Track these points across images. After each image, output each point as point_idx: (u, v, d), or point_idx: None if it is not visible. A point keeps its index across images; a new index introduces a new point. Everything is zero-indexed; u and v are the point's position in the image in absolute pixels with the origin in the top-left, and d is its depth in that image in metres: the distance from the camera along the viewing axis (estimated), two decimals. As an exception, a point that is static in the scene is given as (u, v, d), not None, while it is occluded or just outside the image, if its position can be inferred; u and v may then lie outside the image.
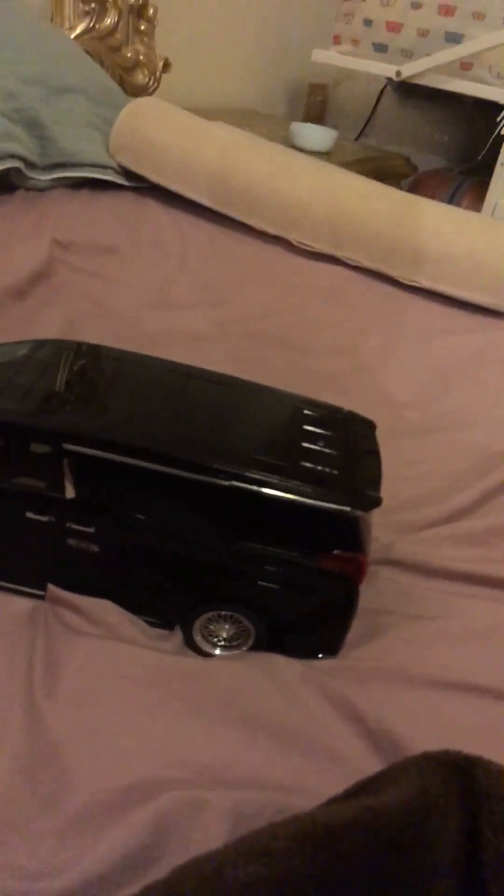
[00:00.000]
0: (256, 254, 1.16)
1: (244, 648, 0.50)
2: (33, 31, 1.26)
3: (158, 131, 1.24)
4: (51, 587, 0.50)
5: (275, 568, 0.47)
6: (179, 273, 1.07)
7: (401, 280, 1.12)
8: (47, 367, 0.52)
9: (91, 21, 1.50)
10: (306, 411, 0.53)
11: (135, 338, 0.87)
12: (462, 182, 1.88)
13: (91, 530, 0.48)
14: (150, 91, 1.66)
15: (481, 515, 0.67)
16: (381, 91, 2.05)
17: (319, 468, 0.47)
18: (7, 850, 0.35)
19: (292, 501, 0.45)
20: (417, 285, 1.11)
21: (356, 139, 2.09)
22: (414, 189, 1.93)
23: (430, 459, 0.75)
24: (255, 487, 0.45)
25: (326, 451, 0.49)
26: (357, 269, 1.15)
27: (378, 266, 1.13)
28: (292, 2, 2.02)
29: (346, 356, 0.93)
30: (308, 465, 0.47)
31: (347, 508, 0.45)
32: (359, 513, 0.45)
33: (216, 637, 0.50)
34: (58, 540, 0.49)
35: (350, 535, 0.46)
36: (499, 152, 1.56)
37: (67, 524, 0.48)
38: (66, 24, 1.48)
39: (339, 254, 1.15)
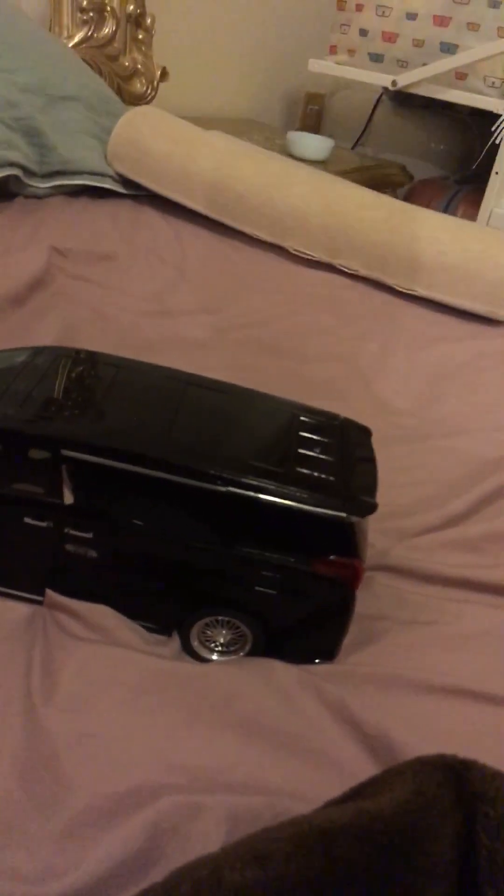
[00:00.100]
0: (253, 261, 1.17)
1: (241, 654, 0.51)
2: (32, 39, 1.27)
3: (156, 140, 1.24)
4: (49, 592, 0.50)
5: (271, 573, 0.47)
6: (177, 280, 1.07)
7: (397, 288, 1.13)
8: (45, 374, 0.52)
9: (89, 30, 1.51)
10: (303, 418, 0.54)
11: (132, 344, 0.87)
12: (457, 191, 1.89)
13: (89, 536, 0.48)
14: (148, 100, 1.67)
15: (476, 522, 0.68)
16: (377, 100, 2.07)
17: (316, 474, 0.48)
18: (6, 853, 0.35)
19: (289, 507, 0.46)
20: (413, 293, 1.12)
21: (352, 148, 2.10)
22: (410, 198, 1.94)
23: (425, 466, 0.76)
24: (251, 493, 0.46)
25: (323, 457, 0.50)
26: (353, 276, 1.15)
27: (374, 274, 1.14)
28: (289, 12, 2.04)
29: (342, 363, 0.94)
30: (304, 471, 0.48)
31: (343, 514, 0.46)
32: (355, 519, 0.46)
33: (213, 642, 0.51)
34: (56, 545, 0.49)
35: (346, 541, 0.47)
36: (493, 161, 1.57)
37: (66, 530, 0.48)
38: (65, 33, 1.49)
39: (335, 262, 1.16)
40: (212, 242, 1.20)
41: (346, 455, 0.51)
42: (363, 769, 0.43)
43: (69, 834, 0.36)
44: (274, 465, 0.47)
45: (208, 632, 0.50)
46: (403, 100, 2.01)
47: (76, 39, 1.50)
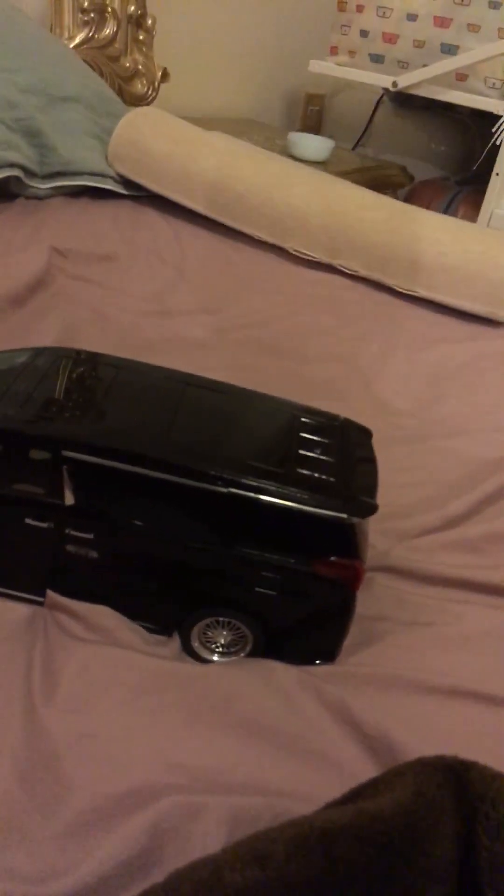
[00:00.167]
0: (254, 262, 1.17)
1: (242, 654, 0.51)
2: (33, 40, 1.27)
3: (157, 140, 1.25)
4: (50, 593, 0.50)
5: (272, 574, 0.47)
6: (177, 281, 1.07)
7: (397, 289, 1.13)
8: (46, 375, 0.52)
9: (90, 31, 1.51)
10: (303, 419, 0.54)
11: (133, 345, 0.87)
12: (458, 192, 1.89)
13: (90, 536, 0.48)
14: (149, 100, 1.67)
15: (476, 522, 0.68)
16: (378, 101, 2.07)
17: (316, 475, 0.48)
18: (6, 853, 0.36)
19: (289, 508, 0.46)
20: (413, 294, 1.12)
21: (353, 149, 2.11)
22: (410, 199, 1.94)
23: (425, 467, 0.76)
24: (252, 494, 0.46)
25: (323, 458, 0.50)
26: (353, 277, 1.16)
27: (374, 275, 1.14)
28: (290, 12, 2.04)
29: (342, 364, 0.94)
30: (305, 472, 0.48)
31: (344, 515, 0.46)
32: (355, 520, 0.46)
33: (214, 643, 0.51)
34: (57, 546, 0.49)
35: (346, 542, 0.47)
36: (494, 162, 1.57)
37: (66, 530, 0.48)
38: (66, 34, 1.50)
39: (335, 262, 1.16)
40: (212, 243, 1.20)
41: (347, 456, 0.51)
42: (363, 770, 0.43)
43: (69, 834, 0.36)
44: (274, 465, 0.47)
45: (209, 632, 0.50)
46: (404, 101, 2.02)
47: (77, 40, 1.50)
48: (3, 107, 1.14)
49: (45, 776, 0.39)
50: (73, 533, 0.48)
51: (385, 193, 1.27)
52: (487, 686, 0.49)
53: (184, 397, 0.52)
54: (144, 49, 1.63)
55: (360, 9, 1.73)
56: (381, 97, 2.04)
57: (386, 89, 1.73)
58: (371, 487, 0.49)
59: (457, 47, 1.58)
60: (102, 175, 1.26)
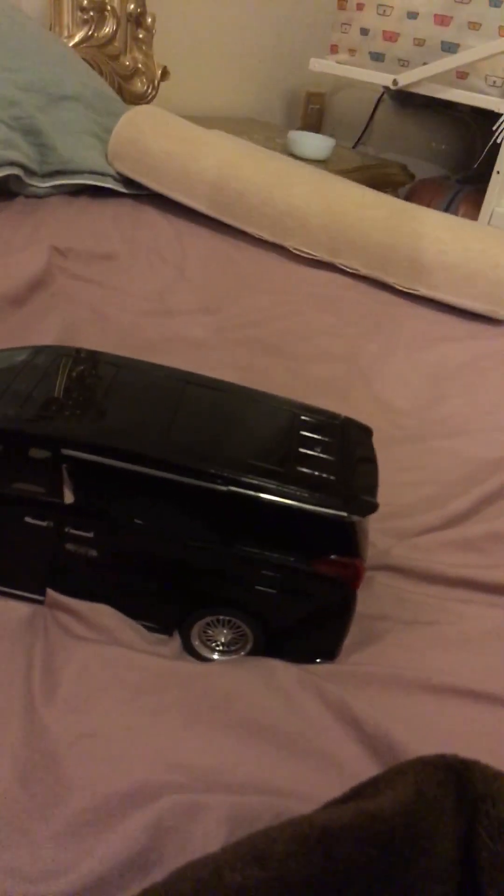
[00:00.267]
0: (254, 261, 1.17)
1: (242, 653, 0.50)
2: (32, 39, 1.27)
3: (157, 139, 1.24)
4: (50, 592, 0.50)
5: (272, 573, 0.47)
6: (178, 280, 1.07)
7: (398, 287, 1.13)
8: (46, 374, 0.52)
9: (90, 29, 1.51)
10: (303, 417, 0.54)
11: (133, 344, 0.87)
12: (458, 190, 1.89)
13: (90, 535, 0.48)
14: (149, 99, 1.67)
15: (477, 522, 0.68)
16: (378, 100, 2.07)
17: (316, 474, 0.48)
18: (6, 853, 0.35)
19: (290, 507, 0.46)
20: (414, 293, 1.12)
21: (353, 147, 2.10)
22: (411, 197, 1.94)
23: (426, 466, 0.75)
24: (252, 493, 0.46)
25: (323, 456, 0.50)
26: (354, 276, 1.15)
27: (375, 273, 1.14)
28: (290, 11, 2.04)
29: (343, 363, 0.94)
30: (305, 470, 0.48)
31: (344, 514, 0.45)
32: (355, 518, 0.46)
33: (214, 642, 0.51)
34: (56, 545, 0.49)
35: (347, 541, 0.47)
36: (495, 161, 1.57)
37: (66, 529, 0.48)
38: (65, 33, 1.50)
39: (336, 261, 1.16)
40: (213, 242, 1.20)
41: (347, 454, 0.51)
42: (364, 769, 0.43)
43: (69, 833, 0.36)
44: (274, 464, 0.47)
45: (209, 631, 0.50)
46: (404, 99, 2.02)
47: (77, 39, 1.50)
48: (3, 105, 1.14)
49: (45, 776, 0.39)
50: (73, 532, 0.48)
51: (386, 192, 1.27)
52: (488, 685, 0.49)
53: (184, 396, 0.52)
54: (144, 47, 1.63)
55: (360, 7, 1.73)
56: (382, 95, 2.04)
57: (386, 87, 1.73)
58: (371, 486, 0.48)
59: (457, 45, 1.58)
60: (102, 174, 1.26)
